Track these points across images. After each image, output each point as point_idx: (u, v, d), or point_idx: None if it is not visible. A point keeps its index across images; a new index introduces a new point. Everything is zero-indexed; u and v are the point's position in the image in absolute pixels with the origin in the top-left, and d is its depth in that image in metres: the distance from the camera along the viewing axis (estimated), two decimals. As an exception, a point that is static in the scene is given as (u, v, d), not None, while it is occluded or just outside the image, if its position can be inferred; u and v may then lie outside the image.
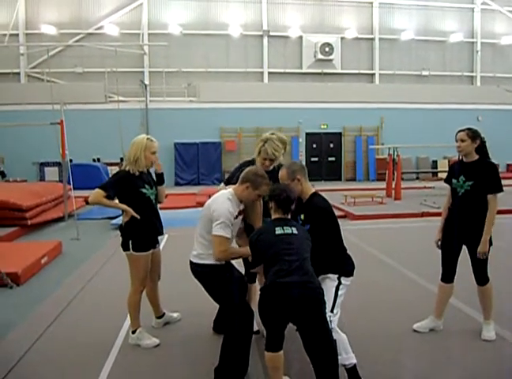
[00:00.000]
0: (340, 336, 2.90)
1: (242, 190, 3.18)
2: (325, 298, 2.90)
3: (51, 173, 16.83)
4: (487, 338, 3.65)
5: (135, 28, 18.54)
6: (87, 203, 12.34)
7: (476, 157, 3.61)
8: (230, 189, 3.27)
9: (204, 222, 3.23)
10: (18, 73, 18.21)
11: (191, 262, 3.31)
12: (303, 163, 3.98)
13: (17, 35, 18.03)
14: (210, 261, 3.20)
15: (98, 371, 3.26)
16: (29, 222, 8.95)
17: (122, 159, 16.02)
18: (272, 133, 3.78)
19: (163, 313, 4.11)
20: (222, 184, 3.88)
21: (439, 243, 3.86)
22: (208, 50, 19.05)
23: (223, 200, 3.16)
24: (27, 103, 16.65)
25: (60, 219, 10.02)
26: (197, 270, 3.27)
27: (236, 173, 3.60)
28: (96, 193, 3.54)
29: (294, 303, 2.64)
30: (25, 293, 5.25)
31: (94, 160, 17.23)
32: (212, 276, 3.22)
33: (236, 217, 3.20)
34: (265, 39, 19.38)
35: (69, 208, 10.02)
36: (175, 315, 4.23)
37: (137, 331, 3.70)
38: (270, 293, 2.70)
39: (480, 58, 20.65)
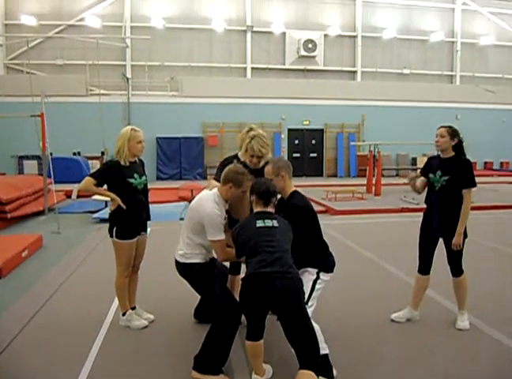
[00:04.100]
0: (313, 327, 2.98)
1: (226, 191, 3.24)
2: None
3: (30, 166, 16.51)
4: (462, 327, 3.80)
5: (117, 20, 18.34)
6: (68, 197, 12.28)
7: (452, 154, 3.78)
8: (215, 190, 3.29)
9: (191, 224, 3.28)
10: (-4, 65, 17.87)
11: (177, 262, 3.36)
12: (285, 158, 3.97)
13: (-4, 25, 17.67)
14: (197, 260, 3.29)
15: (83, 359, 3.28)
16: (9, 215, 8.83)
17: (103, 153, 15.88)
18: (251, 129, 3.76)
19: (135, 307, 4.03)
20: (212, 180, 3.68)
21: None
22: (191, 45, 18.98)
23: (210, 204, 3.18)
24: (5, 95, 16.38)
25: (40, 213, 9.90)
26: (184, 269, 3.33)
27: (219, 173, 3.56)
28: (86, 181, 3.68)
29: (274, 292, 2.72)
30: (8, 285, 5.21)
31: (74, 154, 17.02)
32: (200, 274, 3.29)
33: (225, 218, 3.29)
34: (249, 35, 19.39)
35: (49, 201, 9.92)
36: (147, 316, 4.01)
37: (127, 313, 3.87)
38: (251, 283, 2.79)
39: (459, 57, 21.04)
